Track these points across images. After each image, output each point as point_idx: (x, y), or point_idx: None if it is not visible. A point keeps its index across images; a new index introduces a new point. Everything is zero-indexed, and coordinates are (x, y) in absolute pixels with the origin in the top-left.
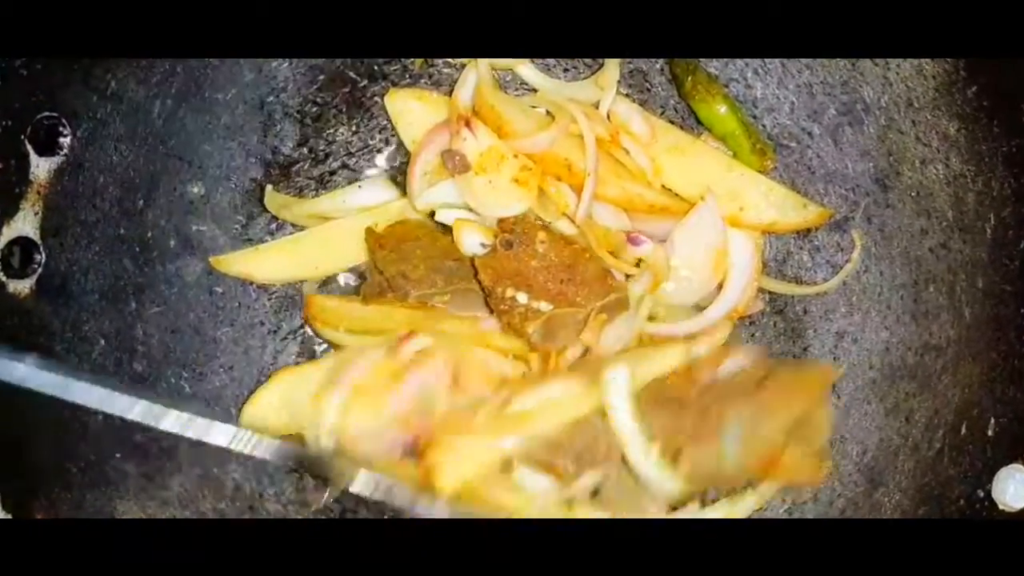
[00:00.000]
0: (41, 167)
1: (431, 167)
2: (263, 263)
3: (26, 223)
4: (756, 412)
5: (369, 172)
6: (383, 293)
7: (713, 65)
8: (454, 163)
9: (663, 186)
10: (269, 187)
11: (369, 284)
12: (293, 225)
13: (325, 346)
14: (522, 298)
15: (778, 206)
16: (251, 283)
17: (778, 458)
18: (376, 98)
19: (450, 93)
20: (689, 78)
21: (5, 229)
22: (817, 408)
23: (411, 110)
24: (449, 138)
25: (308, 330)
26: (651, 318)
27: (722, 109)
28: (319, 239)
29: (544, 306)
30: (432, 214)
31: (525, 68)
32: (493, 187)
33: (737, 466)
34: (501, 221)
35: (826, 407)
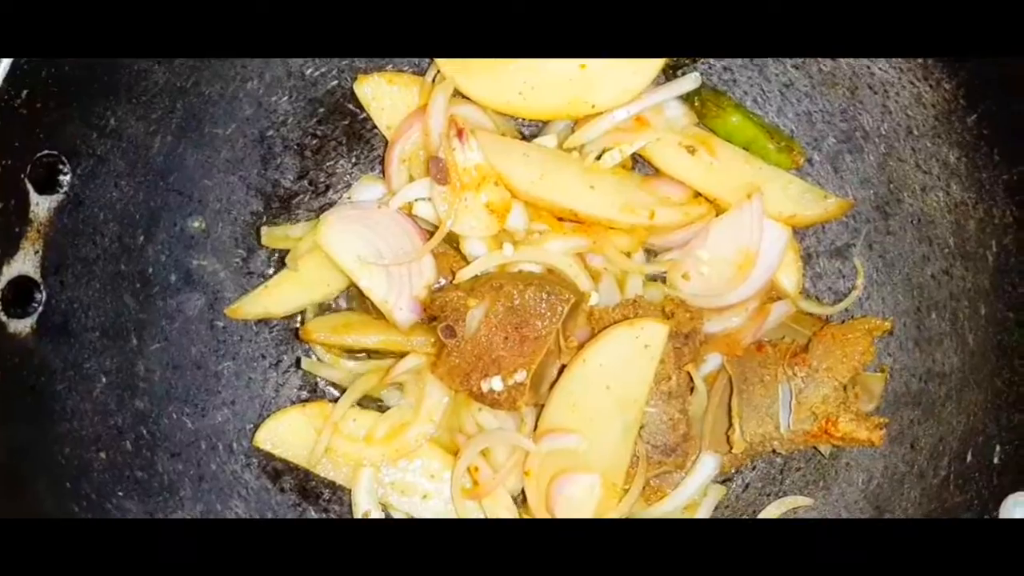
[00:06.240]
0: (41, 205)
1: (408, 154)
2: (277, 298)
3: (26, 262)
4: (805, 377)
5: None
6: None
7: None
8: (438, 171)
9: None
10: (264, 229)
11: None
12: None
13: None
14: (497, 384)
15: (797, 199)
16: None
17: (833, 422)
18: (375, 130)
19: (421, 73)
20: (696, 99)
21: (5, 269)
22: (866, 367)
23: (383, 94)
24: (439, 140)
25: None
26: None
27: (735, 119)
28: (320, 258)
29: (520, 375)
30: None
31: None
32: (465, 204)
33: (792, 432)
34: (428, 307)
35: (876, 365)
